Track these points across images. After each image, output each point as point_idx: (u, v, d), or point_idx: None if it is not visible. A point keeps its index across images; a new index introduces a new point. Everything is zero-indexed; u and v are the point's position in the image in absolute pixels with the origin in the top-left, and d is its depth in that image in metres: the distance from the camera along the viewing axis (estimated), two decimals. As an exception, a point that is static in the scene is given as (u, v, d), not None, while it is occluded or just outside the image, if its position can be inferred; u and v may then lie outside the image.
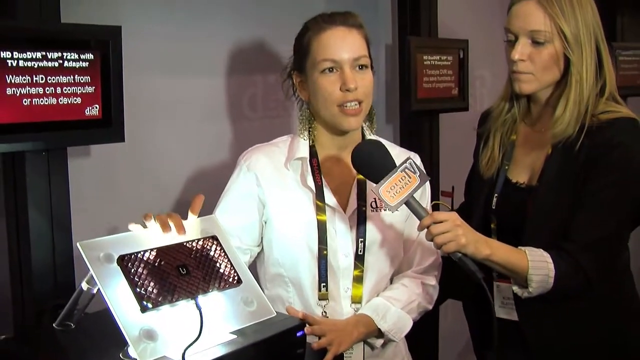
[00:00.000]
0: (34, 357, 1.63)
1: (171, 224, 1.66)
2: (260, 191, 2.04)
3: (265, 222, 2.05)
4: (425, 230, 2.07)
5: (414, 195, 1.84)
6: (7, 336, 1.88)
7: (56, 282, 2.09)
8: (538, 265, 1.93)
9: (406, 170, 1.82)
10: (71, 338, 1.68)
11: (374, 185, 1.83)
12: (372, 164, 1.86)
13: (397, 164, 1.84)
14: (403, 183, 1.81)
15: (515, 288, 1.99)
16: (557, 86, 2.06)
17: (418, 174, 1.83)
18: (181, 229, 1.67)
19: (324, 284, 2.01)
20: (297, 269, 2.03)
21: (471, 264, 1.83)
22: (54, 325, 1.72)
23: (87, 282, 1.65)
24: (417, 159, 2.10)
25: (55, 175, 2.08)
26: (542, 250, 1.96)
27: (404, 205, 1.97)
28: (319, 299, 2.01)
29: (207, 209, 1.92)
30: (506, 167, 2.15)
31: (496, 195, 2.13)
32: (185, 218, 1.72)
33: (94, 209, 2.38)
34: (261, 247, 2.09)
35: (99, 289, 1.57)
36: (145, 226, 1.66)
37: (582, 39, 1.98)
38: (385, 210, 2.06)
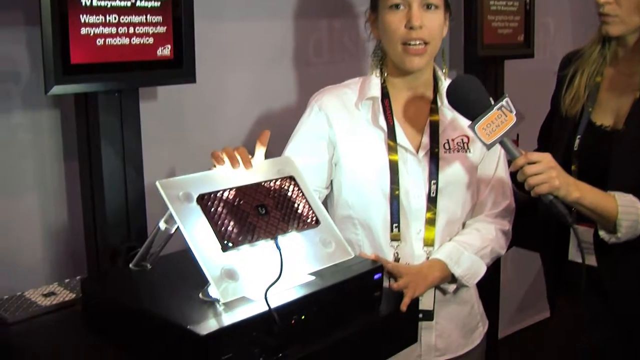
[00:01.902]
0: (113, 297, 1.62)
1: (238, 157, 1.64)
2: (331, 132, 2.00)
3: (335, 164, 2.02)
4: (500, 172, 2.07)
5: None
6: (82, 277, 1.91)
7: (129, 225, 2.07)
8: (628, 210, 1.88)
9: (503, 108, 1.77)
10: (148, 278, 1.68)
11: (469, 122, 1.79)
12: (469, 100, 1.81)
13: (494, 102, 1.79)
14: (499, 121, 1.76)
15: (602, 233, 1.94)
16: None
17: (514, 112, 1.77)
18: (248, 163, 1.64)
19: (396, 225, 1.97)
20: (367, 211, 1.99)
21: (562, 207, 1.77)
22: (130, 266, 1.72)
23: (165, 222, 1.62)
24: None
25: (128, 117, 2.05)
26: (631, 195, 1.91)
27: (479, 146, 1.96)
28: (391, 240, 1.98)
29: (275, 152, 1.93)
30: (590, 109, 2.09)
31: (579, 137, 2.07)
32: (253, 154, 1.70)
33: (163, 151, 2.38)
34: (330, 189, 2.06)
35: (177, 228, 1.56)
36: (214, 165, 1.64)
37: None
38: (458, 151, 2.02)
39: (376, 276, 1.69)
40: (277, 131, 1.98)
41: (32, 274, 2.14)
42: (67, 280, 1.96)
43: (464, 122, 1.96)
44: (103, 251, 2.05)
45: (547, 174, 1.78)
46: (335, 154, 2.01)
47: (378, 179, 1.97)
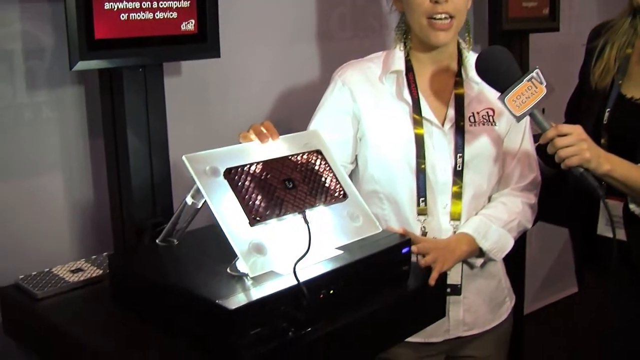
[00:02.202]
0: (141, 272, 1.62)
1: (265, 131, 1.64)
2: (355, 107, 1.98)
3: (360, 139, 2.00)
4: (526, 145, 2.05)
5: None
6: (109, 253, 1.93)
7: (154, 201, 2.07)
8: None
9: (533, 79, 1.75)
10: (175, 254, 1.68)
11: (495, 95, 1.77)
12: (499, 71, 1.78)
13: (523, 73, 1.77)
14: (529, 93, 1.74)
15: (632, 206, 1.93)
16: None
17: (545, 84, 1.75)
18: (275, 134, 1.64)
19: (423, 199, 1.96)
20: (394, 185, 1.97)
21: (592, 179, 1.75)
22: (157, 241, 1.72)
23: (192, 197, 1.62)
24: None
25: (152, 93, 2.03)
26: None
27: (504, 119, 1.95)
28: (418, 214, 1.97)
29: (299, 127, 1.91)
30: (620, 82, 2.06)
31: (608, 110, 2.04)
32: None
33: (187, 127, 2.38)
34: (355, 164, 2.05)
35: (204, 203, 1.56)
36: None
37: None
38: (484, 124, 2.00)
39: (404, 250, 1.69)
40: (300, 106, 1.99)
41: (59, 251, 2.14)
42: (94, 257, 1.97)
43: (489, 95, 1.96)
44: (129, 227, 2.05)
45: (578, 146, 1.75)
46: (359, 128, 2.00)
47: (404, 153, 1.95)
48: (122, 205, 2.07)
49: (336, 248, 1.60)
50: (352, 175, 2.06)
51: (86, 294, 1.76)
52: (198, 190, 1.53)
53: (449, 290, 1.92)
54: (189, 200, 1.62)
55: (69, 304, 1.72)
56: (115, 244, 2.14)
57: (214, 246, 1.58)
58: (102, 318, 1.65)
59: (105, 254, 1.97)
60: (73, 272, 1.85)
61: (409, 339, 1.95)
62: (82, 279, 1.81)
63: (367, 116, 1.98)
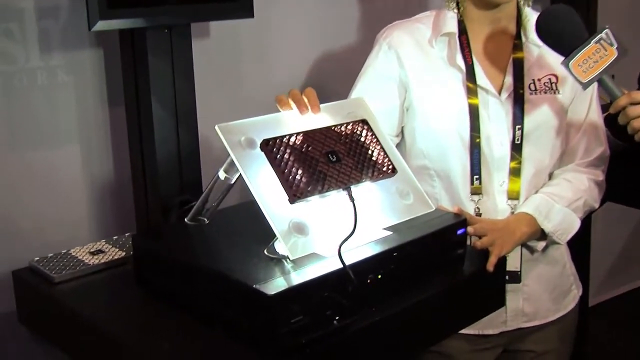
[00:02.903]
0: (169, 254, 1.63)
1: (305, 100, 1.62)
2: (402, 73, 1.98)
3: (407, 109, 2.00)
4: (593, 115, 2.04)
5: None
6: (132, 233, 1.96)
7: (181, 176, 2.08)
8: None
9: (602, 41, 1.72)
10: (206, 234, 1.68)
11: (561, 58, 1.75)
12: (563, 33, 1.76)
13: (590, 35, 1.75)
14: (597, 56, 1.72)
15: None
16: None
17: (616, 46, 1.73)
18: (316, 107, 1.63)
19: (477, 177, 1.96)
20: (445, 160, 1.98)
21: None
22: (186, 220, 1.72)
23: (225, 171, 1.62)
24: None
25: (179, 56, 2.03)
26: None
27: (569, 86, 1.95)
28: (472, 194, 1.97)
29: (341, 94, 1.92)
30: None
31: None
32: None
33: (217, 94, 2.38)
34: (401, 137, 2.05)
35: (238, 177, 1.58)
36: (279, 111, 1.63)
37: None
38: (545, 93, 1.98)
39: (459, 231, 1.68)
40: (341, 72, 1.99)
41: (77, 231, 2.17)
42: (115, 237, 2.00)
43: (552, 60, 1.94)
44: (154, 205, 2.06)
45: None
46: (407, 97, 1.99)
47: (456, 125, 1.94)
48: (146, 180, 2.08)
49: (384, 228, 1.59)
50: (398, 149, 2.03)
51: (108, 278, 1.78)
52: (232, 163, 1.53)
53: (507, 277, 1.91)
54: (221, 174, 1.62)
55: (89, 288, 1.74)
56: (139, 223, 2.15)
57: (249, 226, 1.59)
58: (126, 304, 1.67)
59: (127, 234, 2.00)
60: (93, 253, 1.88)
61: (463, 331, 1.96)
62: (103, 261, 1.84)
63: (415, 83, 1.97)
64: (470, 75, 1.95)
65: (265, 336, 1.37)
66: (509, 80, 1.97)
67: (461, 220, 1.70)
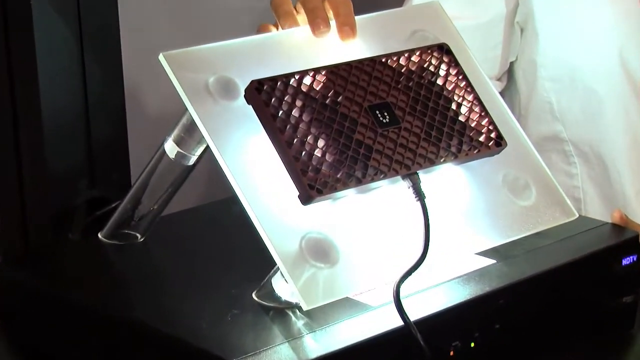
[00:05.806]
0: (66, 295, 1.55)
1: (329, 14, 1.51)
2: None
3: (523, 29, 2.09)
4: None
5: None
6: None
7: (90, 157, 1.99)
8: None
9: None
10: (138, 261, 1.66)
11: None
12: None
13: None
14: None
15: None
16: None
17: None
18: (349, 23, 1.52)
19: None
20: (595, 124, 2.06)
21: None
22: (99, 236, 1.69)
23: (177, 142, 1.52)
24: None
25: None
26: None
27: None
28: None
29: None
30: None
31: None
32: None
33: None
34: (509, 79, 2.15)
35: (204, 154, 1.52)
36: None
37: None
38: None
39: (626, 260, 1.58)
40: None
41: None
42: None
43: None
44: (35, 211, 1.98)
45: None
46: (519, 7, 2.04)
47: (620, 58, 2.00)
48: (21, 160, 1.96)
49: (478, 254, 1.50)
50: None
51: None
52: (190, 127, 1.46)
53: None
54: (169, 148, 1.53)
55: None
56: (4, 243, 2.09)
57: (222, 246, 1.62)
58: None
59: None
60: None
61: None
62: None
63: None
64: None
65: None
66: None
67: (630, 239, 1.60)
